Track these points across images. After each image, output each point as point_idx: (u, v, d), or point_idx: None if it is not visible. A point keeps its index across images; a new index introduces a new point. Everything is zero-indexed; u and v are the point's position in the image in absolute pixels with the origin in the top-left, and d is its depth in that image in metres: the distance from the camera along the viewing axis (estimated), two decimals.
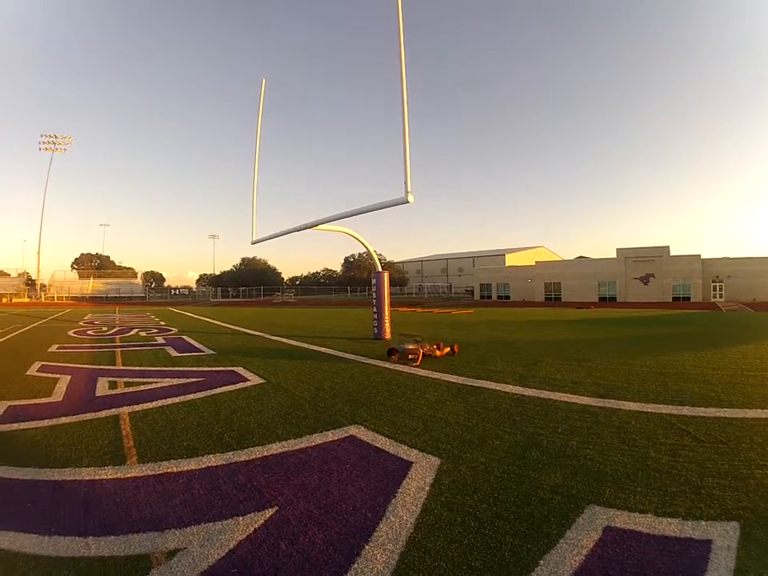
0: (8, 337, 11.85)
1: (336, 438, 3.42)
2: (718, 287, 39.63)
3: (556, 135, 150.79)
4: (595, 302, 39.49)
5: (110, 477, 2.76)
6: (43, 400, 4.78)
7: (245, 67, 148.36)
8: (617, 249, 43.00)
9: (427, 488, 2.52)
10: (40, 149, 63.01)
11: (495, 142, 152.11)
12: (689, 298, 38.46)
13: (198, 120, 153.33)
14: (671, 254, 40.40)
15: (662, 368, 6.20)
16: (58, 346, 9.55)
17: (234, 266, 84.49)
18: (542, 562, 1.83)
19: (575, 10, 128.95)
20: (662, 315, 20.14)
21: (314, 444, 3.30)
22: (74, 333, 12.73)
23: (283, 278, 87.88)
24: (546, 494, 2.45)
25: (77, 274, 73.68)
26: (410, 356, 6.80)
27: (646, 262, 40.96)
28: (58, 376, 6.00)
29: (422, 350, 6.86)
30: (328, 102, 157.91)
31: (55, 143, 63.17)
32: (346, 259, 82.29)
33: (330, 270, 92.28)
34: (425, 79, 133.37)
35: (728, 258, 40.93)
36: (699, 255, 39.65)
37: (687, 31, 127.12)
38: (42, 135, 63.03)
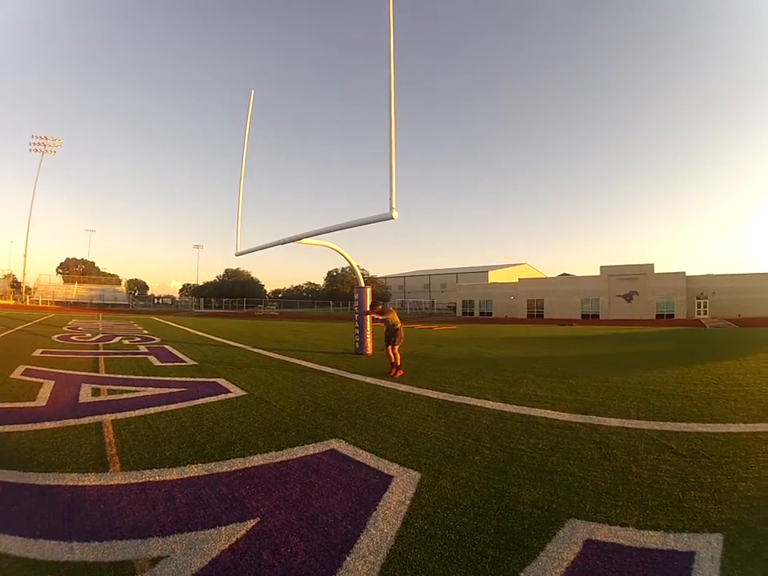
0: None
1: (317, 452, 3.42)
2: (702, 304, 40.31)
3: (541, 153, 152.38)
4: (577, 318, 39.87)
5: (93, 483, 2.74)
6: (27, 404, 4.73)
7: (235, 78, 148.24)
8: (600, 266, 43.62)
9: (408, 501, 2.54)
10: (30, 150, 62.38)
11: (480, 158, 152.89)
12: (672, 315, 39.01)
13: (187, 129, 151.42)
14: (655, 271, 41.02)
15: (644, 384, 6.29)
16: (42, 350, 9.40)
17: (217, 276, 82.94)
18: (522, 574, 1.87)
19: (570, 26, 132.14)
20: (644, 332, 20.33)
21: (295, 457, 3.31)
22: (58, 338, 12.54)
23: (266, 291, 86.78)
24: (526, 508, 2.48)
25: (62, 278, 72.38)
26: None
27: (630, 280, 41.51)
28: (41, 381, 5.92)
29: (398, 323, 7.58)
30: (315, 116, 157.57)
31: (45, 145, 62.56)
32: (329, 273, 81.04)
33: (313, 283, 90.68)
34: (411, 94, 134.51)
35: (712, 275, 41.79)
36: (683, 272, 40.35)
37: (684, 36, 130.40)
38: (32, 136, 62.38)
